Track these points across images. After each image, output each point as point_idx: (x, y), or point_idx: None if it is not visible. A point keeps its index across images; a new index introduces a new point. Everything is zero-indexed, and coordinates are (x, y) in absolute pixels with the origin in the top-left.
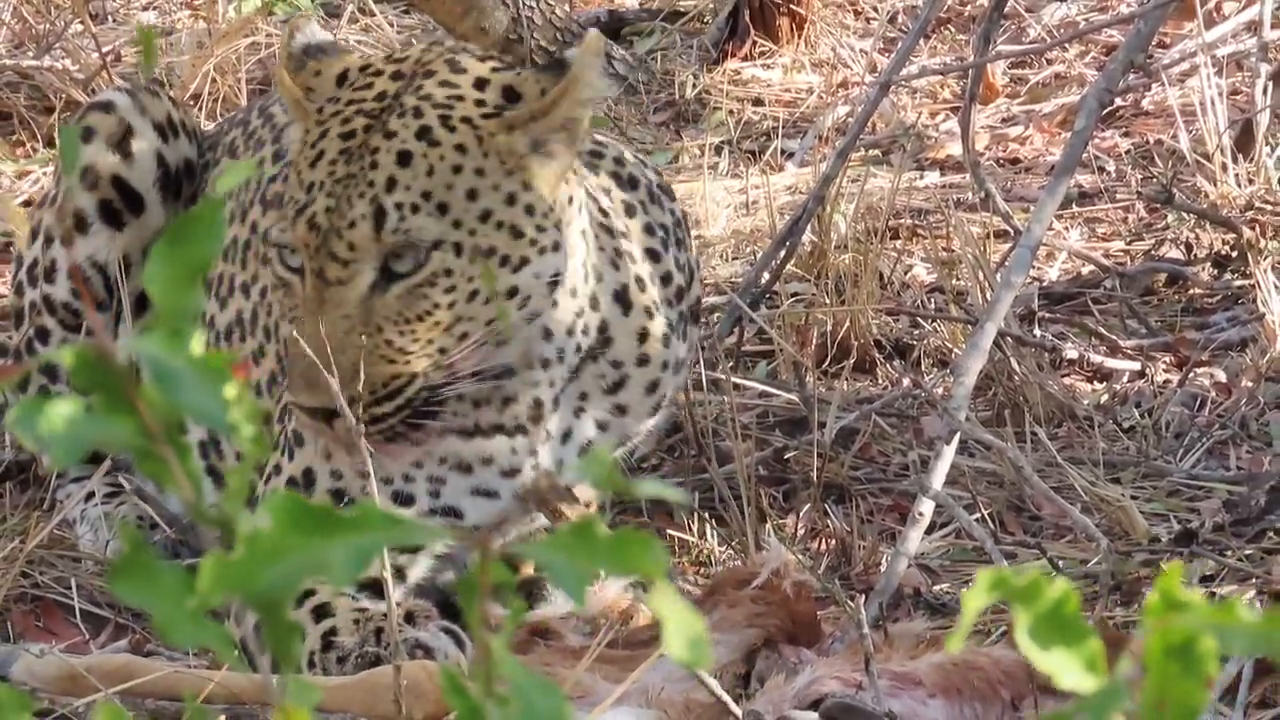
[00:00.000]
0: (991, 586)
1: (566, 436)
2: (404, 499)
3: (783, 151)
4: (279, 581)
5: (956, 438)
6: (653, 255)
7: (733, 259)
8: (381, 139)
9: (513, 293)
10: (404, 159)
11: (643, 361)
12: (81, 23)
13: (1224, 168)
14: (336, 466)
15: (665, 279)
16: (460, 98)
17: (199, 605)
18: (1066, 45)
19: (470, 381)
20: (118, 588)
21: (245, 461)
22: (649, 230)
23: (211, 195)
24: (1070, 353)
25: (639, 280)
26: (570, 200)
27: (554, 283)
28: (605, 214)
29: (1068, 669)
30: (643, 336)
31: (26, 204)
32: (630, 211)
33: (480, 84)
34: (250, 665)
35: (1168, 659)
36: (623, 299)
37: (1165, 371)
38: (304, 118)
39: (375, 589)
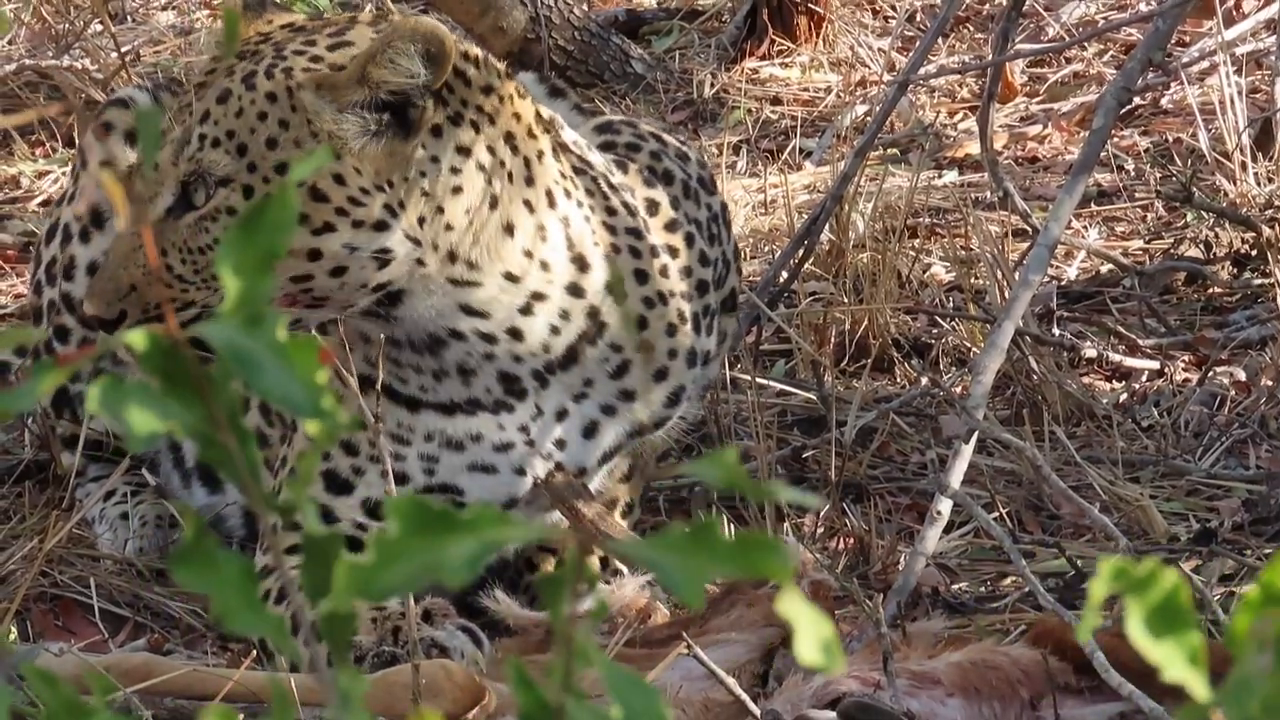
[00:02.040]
0: (1114, 576)
1: (562, 415)
2: (398, 478)
3: (801, 150)
4: (402, 584)
5: (975, 437)
6: (671, 250)
7: (751, 258)
8: (223, 77)
9: (314, 255)
10: (223, 97)
11: (644, 348)
12: (101, 22)
13: (1243, 166)
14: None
15: (686, 272)
16: (300, 52)
17: (336, 609)
18: (1085, 44)
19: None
20: (180, 574)
21: (314, 447)
22: (670, 226)
23: (289, 180)
24: (1089, 351)
25: (639, 273)
26: (458, 190)
27: (382, 260)
28: (613, 211)
29: (1174, 661)
30: (641, 324)
31: (45, 203)
32: (653, 209)
33: (337, 46)
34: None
35: (1260, 653)
36: (615, 290)
37: (1184, 370)
38: None
39: None
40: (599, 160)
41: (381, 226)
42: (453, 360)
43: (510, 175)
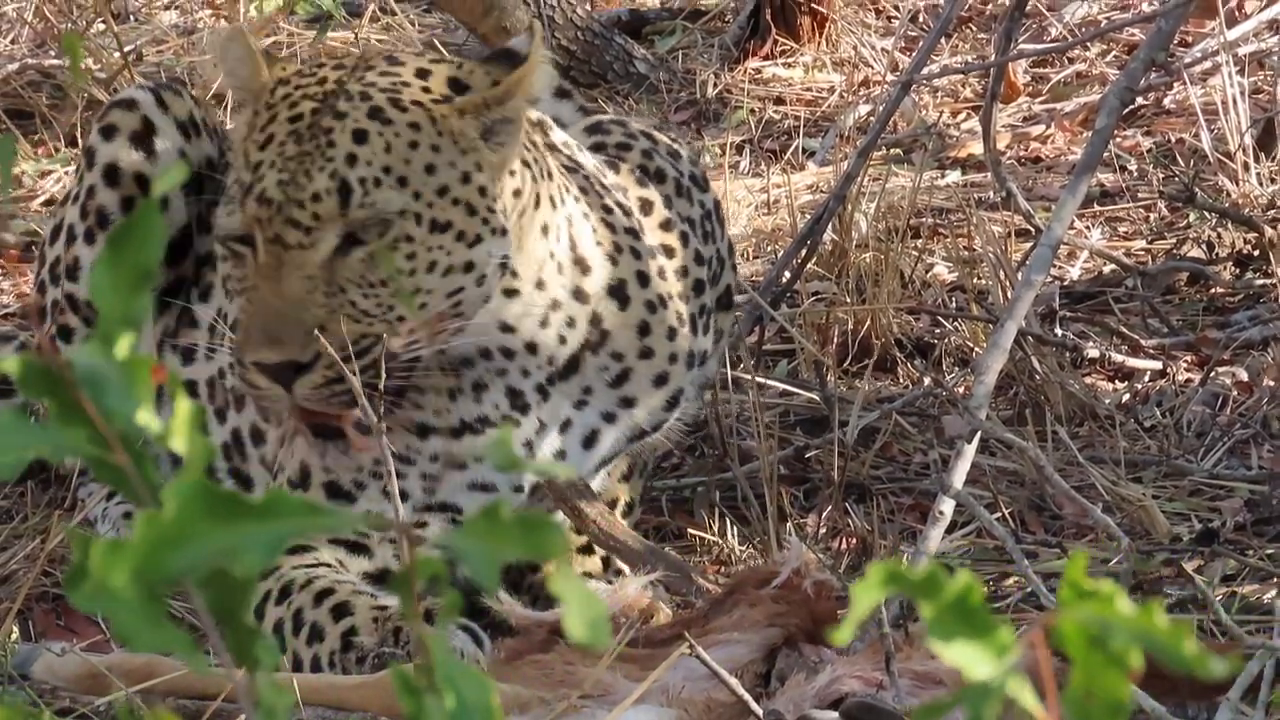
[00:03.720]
0: (885, 580)
1: (566, 426)
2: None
3: (804, 150)
4: (184, 567)
5: (977, 437)
6: (668, 250)
7: (754, 258)
8: (332, 119)
9: (469, 267)
10: (360, 136)
11: (646, 354)
12: (104, 22)
13: (1246, 166)
14: (328, 462)
15: (682, 272)
16: (405, 84)
17: (92, 591)
18: (1088, 44)
19: (432, 355)
20: (76, 597)
21: (191, 463)
22: (665, 226)
23: (150, 198)
24: (1091, 352)
25: (641, 275)
26: (518, 193)
27: (502, 265)
28: (609, 211)
29: (977, 661)
30: (644, 330)
31: (48, 203)
32: (646, 208)
33: (422, 74)
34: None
35: (1091, 650)
36: (619, 294)
37: (1187, 370)
38: (256, 104)
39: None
40: (589, 161)
41: (504, 232)
42: (470, 378)
43: (541, 172)
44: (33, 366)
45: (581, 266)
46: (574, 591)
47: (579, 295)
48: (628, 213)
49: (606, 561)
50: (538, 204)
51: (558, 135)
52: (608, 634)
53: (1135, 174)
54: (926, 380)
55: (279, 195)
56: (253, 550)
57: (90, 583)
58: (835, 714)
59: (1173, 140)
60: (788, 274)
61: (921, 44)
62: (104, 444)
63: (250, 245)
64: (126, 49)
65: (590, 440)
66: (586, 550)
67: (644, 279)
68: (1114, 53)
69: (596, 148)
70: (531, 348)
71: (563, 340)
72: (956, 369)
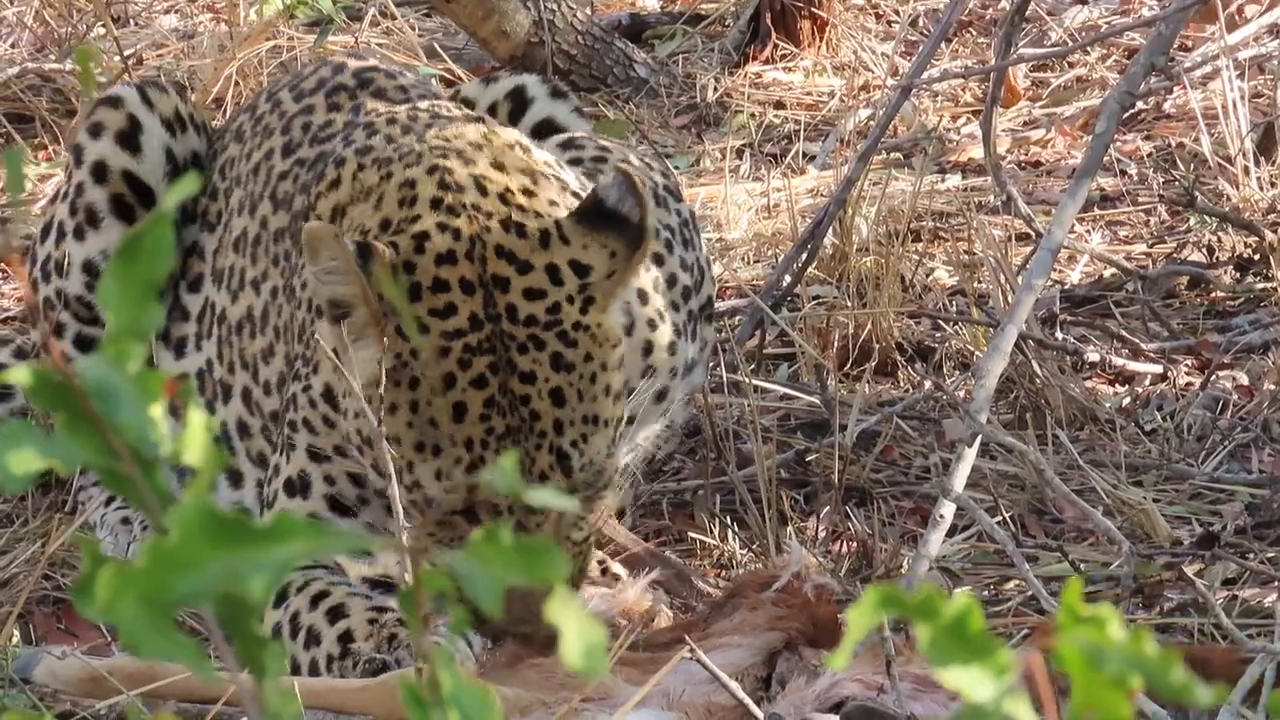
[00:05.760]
0: (881, 603)
1: None
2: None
3: (804, 154)
4: (191, 593)
5: (978, 440)
6: (657, 259)
7: (754, 262)
8: (519, 383)
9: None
10: (557, 398)
11: (648, 373)
12: (103, 26)
13: (1246, 171)
14: (330, 472)
15: (670, 281)
16: (558, 305)
17: (99, 616)
18: (1088, 48)
19: None
20: (83, 605)
21: (200, 476)
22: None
23: (163, 210)
24: (1092, 355)
25: (640, 293)
26: None
27: None
28: None
29: (976, 683)
30: (647, 349)
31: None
32: None
33: (554, 273)
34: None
35: (1090, 669)
36: (625, 315)
37: (1187, 374)
38: (389, 340)
39: (389, 585)
40: (573, 177)
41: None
42: None
43: None
44: (43, 376)
45: None
46: (571, 618)
47: None
48: None
49: (604, 566)
50: None
51: (538, 154)
52: (604, 662)
53: (1135, 178)
54: (927, 384)
55: None
56: (259, 573)
57: (95, 591)
58: (835, 717)
59: (1173, 144)
60: (788, 278)
61: (922, 48)
62: (113, 454)
63: (463, 515)
64: (126, 53)
65: None
66: None
67: (643, 296)
68: (1114, 57)
69: (573, 163)
70: None
71: None
72: (957, 373)
